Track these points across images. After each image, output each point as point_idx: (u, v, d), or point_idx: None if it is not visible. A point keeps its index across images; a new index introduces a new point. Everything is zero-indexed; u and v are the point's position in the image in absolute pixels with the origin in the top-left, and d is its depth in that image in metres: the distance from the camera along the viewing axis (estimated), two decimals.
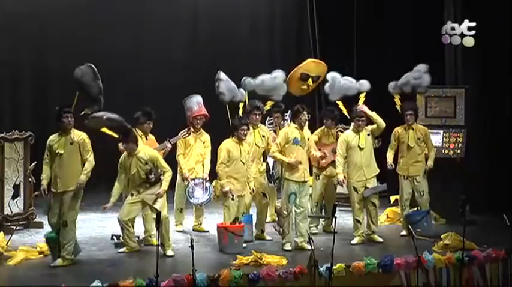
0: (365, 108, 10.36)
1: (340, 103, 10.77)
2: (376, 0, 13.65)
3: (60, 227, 8.97)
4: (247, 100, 10.56)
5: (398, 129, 10.77)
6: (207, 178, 10.49)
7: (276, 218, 10.25)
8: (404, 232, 10.64)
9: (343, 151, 10.29)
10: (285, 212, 9.72)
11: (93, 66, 9.53)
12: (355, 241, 10.27)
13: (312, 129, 10.74)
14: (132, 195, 9.44)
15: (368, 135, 10.36)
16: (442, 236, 10.00)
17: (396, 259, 9.03)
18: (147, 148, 9.55)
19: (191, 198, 10.35)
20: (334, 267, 8.53)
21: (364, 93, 10.73)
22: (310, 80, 10.94)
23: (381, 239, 10.38)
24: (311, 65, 11.07)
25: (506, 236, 9.36)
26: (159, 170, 9.44)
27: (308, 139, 10.06)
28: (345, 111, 10.72)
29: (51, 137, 9.08)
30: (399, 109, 10.84)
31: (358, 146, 10.26)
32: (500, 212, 9.11)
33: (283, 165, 9.92)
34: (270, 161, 10.88)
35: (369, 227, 10.41)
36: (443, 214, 11.39)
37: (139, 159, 9.41)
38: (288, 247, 9.78)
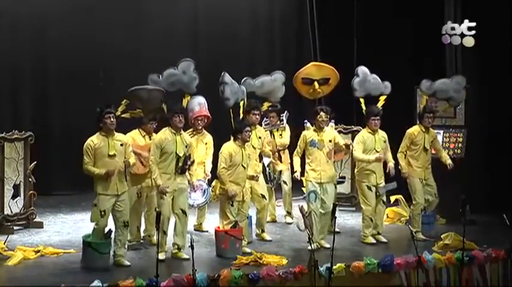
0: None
1: (362, 101, 10.64)
2: (376, 0, 13.64)
3: (104, 229, 9.00)
4: (245, 99, 10.50)
5: (414, 132, 10.59)
6: (208, 178, 10.45)
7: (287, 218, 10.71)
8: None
9: (360, 150, 10.20)
10: (305, 210, 9.64)
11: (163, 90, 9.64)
12: (372, 240, 10.27)
13: None
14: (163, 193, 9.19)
15: (384, 142, 10.31)
16: (442, 236, 10.00)
17: (396, 258, 9.03)
18: None
19: (188, 199, 10.25)
20: (334, 267, 8.53)
21: (385, 97, 10.71)
22: (315, 83, 10.83)
23: (385, 240, 10.36)
24: (311, 69, 10.97)
25: (506, 236, 9.38)
26: (190, 158, 9.44)
27: (330, 141, 9.96)
28: (364, 110, 10.55)
29: (94, 140, 8.88)
30: (420, 109, 10.78)
31: (375, 149, 10.21)
32: (500, 212, 9.12)
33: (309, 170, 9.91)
34: (265, 161, 10.88)
35: (376, 227, 10.37)
36: (443, 214, 11.39)
37: (183, 139, 9.37)
38: (313, 246, 9.60)
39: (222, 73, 10.00)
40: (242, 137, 9.60)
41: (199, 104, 10.51)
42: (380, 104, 10.61)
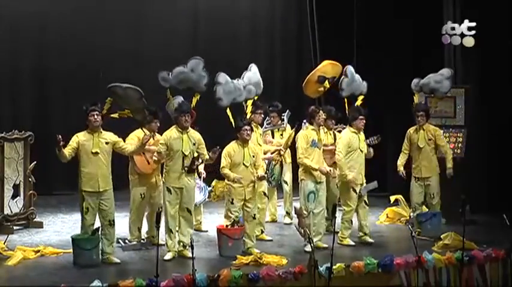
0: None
1: (346, 101, 10.70)
2: (376, 1, 13.64)
3: (93, 227, 9.05)
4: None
5: (410, 130, 10.70)
6: (203, 177, 10.43)
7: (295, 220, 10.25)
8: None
9: (345, 152, 10.16)
10: (305, 213, 9.64)
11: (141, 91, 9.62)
12: (351, 242, 10.20)
13: None
14: (169, 191, 9.25)
15: (364, 140, 10.30)
16: (441, 236, 10.00)
17: (396, 258, 9.02)
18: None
19: (194, 198, 10.24)
20: (334, 267, 8.51)
21: (363, 97, 10.73)
22: (326, 82, 10.85)
23: (371, 240, 10.28)
24: (328, 67, 10.95)
25: (506, 236, 9.37)
26: (198, 159, 9.41)
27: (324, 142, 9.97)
28: (347, 109, 10.60)
29: (81, 136, 9.03)
30: (414, 107, 10.81)
31: (359, 149, 10.19)
32: (500, 212, 9.11)
33: (307, 170, 9.79)
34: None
35: (362, 228, 10.30)
36: (443, 214, 11.37)
37: (190, 138, 9.37)
38: (309, 248, 9.43)
39: (217, 73, 10.03)
40: (240, 136, 9.60)
41: None
42: (359, 103, 10.67)
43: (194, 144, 9.37)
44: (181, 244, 9.37)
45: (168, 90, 9.67)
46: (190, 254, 9.07)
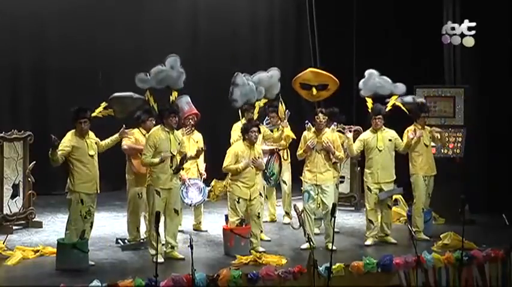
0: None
1: (369, 100, 10.57)
2: (375, 1, 13.63)
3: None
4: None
5: (411, 129, 10.63)
6: (203, 177, 10.43)
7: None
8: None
9: (357, 147, 10.21)
10: (299, 210, 9.62)
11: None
12: (368, 242, 10.18)
13: None
14: (158, 193, 9.12)
15: (390, 140, 10.26)
16: (441, 236, 10.00)
17: (395, 258, 9.03)
18: None
19: (185, 198, 10.22)
20: (333, 267, 8.51)
21: (396, 97, 10.64)
22: (313, 89, 10.80)
23: (394, 241, 10.28)
24: (308, 75, 10.89)
25: (505, 236, 9.39)
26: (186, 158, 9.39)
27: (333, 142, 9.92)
28: (370, 109, 10.53)
29: (72, 138, 8.93)
30: (418, 107, 10.75)
31: (377, 147, 10.20)
32: (500, 212, 9.13)
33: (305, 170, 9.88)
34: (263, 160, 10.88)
35: (383, 229, 10.33)
36: (442, 214, 11.39)
37: (176, 138, 9.32)
38: (304, 246, 9.64)
39: (236, 74, 9.98)
40: (248, 137, 9.59)
41: (187, 103, 10.54)
42: (390, 104, 10.56)
43: (179, 144, 9.34)
44: (169, 245, 9.29)
45: (148, 91, 9.60)
46: (180, 256, 9.15)
